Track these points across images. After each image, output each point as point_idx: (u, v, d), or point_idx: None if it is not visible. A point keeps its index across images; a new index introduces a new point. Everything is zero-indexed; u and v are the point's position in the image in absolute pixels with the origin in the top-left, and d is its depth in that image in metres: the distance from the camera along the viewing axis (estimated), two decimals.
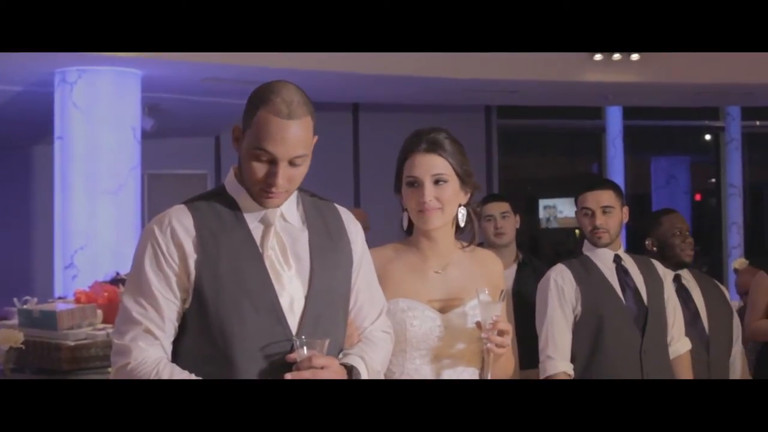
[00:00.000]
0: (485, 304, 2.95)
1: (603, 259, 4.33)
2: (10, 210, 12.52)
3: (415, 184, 3.02)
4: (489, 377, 2.98)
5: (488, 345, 2.93)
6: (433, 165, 3.01)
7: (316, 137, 2.66)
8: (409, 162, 3.04)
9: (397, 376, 3.00)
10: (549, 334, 4.22)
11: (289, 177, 2.58)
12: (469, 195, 3.10)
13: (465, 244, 3.16)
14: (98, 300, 5.21)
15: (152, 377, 2.51)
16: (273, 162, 2.56)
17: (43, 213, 10.53)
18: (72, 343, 4.74)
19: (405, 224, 3.13)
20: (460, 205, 3.08)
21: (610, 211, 4.28)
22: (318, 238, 2.71)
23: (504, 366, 3.10)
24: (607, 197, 4.30)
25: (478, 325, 2.97)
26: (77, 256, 8.31)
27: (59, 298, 6.73)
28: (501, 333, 2.94)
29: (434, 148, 3.02)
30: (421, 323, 3.00)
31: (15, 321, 5.14)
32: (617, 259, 4.34)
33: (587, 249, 4.37)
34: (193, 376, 2.54)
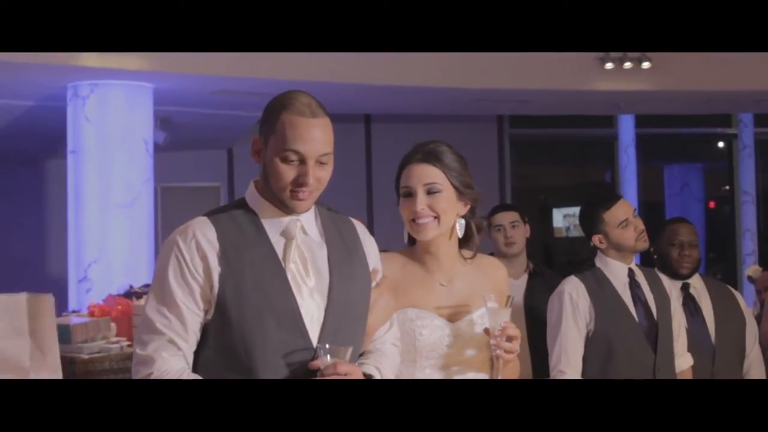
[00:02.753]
0: (493, 310, 2.95)
1: (617, 273, 4.25)
2: (24, 223, 12.56)
3: (409, 194, 3.03)
4: None
5: (498, 351, 2.93)
6: (425, 174, 3.01)
7: None
8: (405, 173, 3.04)
9: None
10: (563, 349, 4.14)
11: (318, 177, 2.62)
12: (468, 207, 3.08)
13: (469, 255, 3.15)
14: (112, 313, 5.23)
15: None
16: (302, 162, 2.60)
17: (57, 226, 10.57)
18: (86, 357, 4.75)
19: (405, 237, 3.14)
20: (459, 216, 3.07)
21: (638, 216, 4.27)
22: (336, 251, 2.74)
23: (511, 372, 3.08)
24: (630, 206, 4.28)
25: (487, 331, 2.97)
26: (91, 269, 8.32)
27: (73, 311, 6.75)
28: (510, 339, 2.94)
29: (428, 158, 3.02)
30: (430, 332, 3.00)
31: None
32: (631, 274, 4.26)
33: (600, 262, 4.31)
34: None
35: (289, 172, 2.60)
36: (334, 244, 2.74)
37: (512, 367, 3.06)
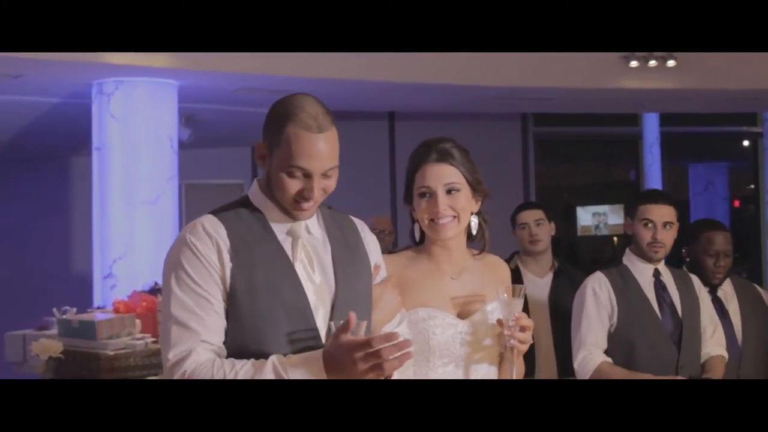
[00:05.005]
0: (505, 302, 2.97)
1: (642, 271, 4.27)
2: (50, 220, 12.62)
3: (428, 194, 3.05)
4: (514, 374, 2.98)
5: (512, 342, 2.95)
6: (444, 174, 3.04)
7: None
8: (420, 173, 3.07)
9: None
10: (585, 333, 4.17)
11: (323, 188, 2.62)
12: (479, 203, 3.12)
13: (476, 252, 3.17)
14: (137, 309, 5.25)
15: (215, 377, 2.48)
16: (308, 176, 2.58)
17: (82, 223, 10.60)
18: (111, 353, 4.77)
19: (417, 236, 3.16)
20: (472, 213, 3.09)
21: (670, 228, 4.24)
22: (339, 250, 2.75)
23: (518, 367, 3.07)
24: (668, 213, 4.25)
25: (500, 322, 2.98)
26: (116, 266, 8.36)
27: (98, 308, 6.78)
28: (523, 329, 2.96)
29: (445, 157, 3.04)
30: (443, 331, 3.01)
31: (54, 331, 5.18)
32: (656, 274, 4.28)
33: (628, 259, 4.32)
34: (251, 363, 2.50)
35: (293, 186, 2.59)
36: (337, 243, 2.75)
37: (520, 362, 3.05)
